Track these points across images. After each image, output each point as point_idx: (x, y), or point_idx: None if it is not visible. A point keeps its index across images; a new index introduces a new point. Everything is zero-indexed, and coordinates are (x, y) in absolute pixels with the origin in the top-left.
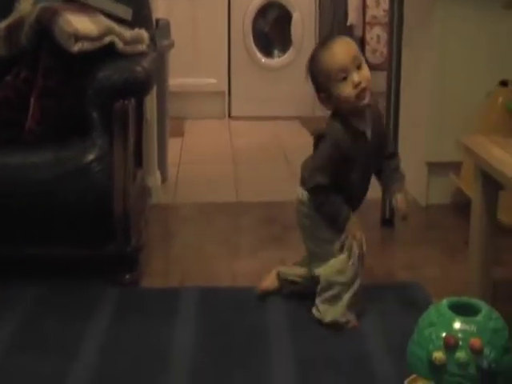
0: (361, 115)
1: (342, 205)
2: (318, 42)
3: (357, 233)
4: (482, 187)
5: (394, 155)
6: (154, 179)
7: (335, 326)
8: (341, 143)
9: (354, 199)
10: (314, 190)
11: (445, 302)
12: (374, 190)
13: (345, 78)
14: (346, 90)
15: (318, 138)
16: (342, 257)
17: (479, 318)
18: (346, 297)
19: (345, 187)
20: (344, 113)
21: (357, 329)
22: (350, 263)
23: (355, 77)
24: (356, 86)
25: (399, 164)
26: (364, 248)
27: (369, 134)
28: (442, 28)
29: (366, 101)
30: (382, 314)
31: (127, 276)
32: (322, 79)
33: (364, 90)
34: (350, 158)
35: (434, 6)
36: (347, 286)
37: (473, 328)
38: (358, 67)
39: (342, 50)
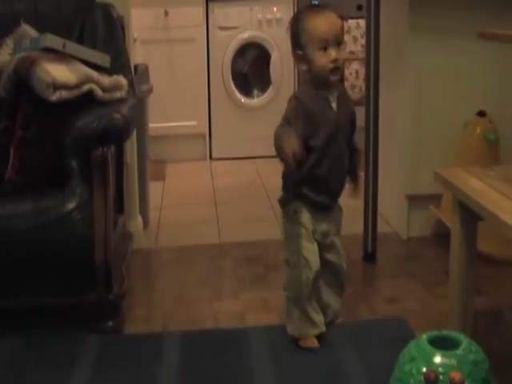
0: (329, 87)
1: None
2: (310, 5)
3: (288, 150)
4: (460, 219)
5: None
6: (136, 224)
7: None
8: (307, 103)
9: (330, 183)
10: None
11: (424, 336)
12: (355, 225)
13: (324, 49)
14: (322, 60)
15: (289, 100)
16: (288, 271)
17: (459, 351)
18: (295, 314)
19: (318, 168)
20: (314, 79)
21: (313, 348)
22: (302, 277)
23: (333, 53)
24: (332, 61)
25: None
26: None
27: (334, 105)
28: (417, 61)
29: (337, 77)
30: (366, 351)
31: (109, 323)
32: (303, 39)
33: (338, 67)
34: (316, 119)
35: (408, 40)
36: (292, 301)
37: (453, 361)
38: (338, 44)
39: (329, 22)
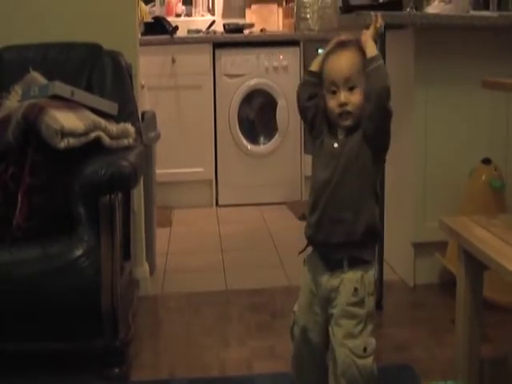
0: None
1: None
2: (337, 41)
3: None
4: (465, 267)
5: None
6: (142, 271)
7: None
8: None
9: (321, 220)
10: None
11: None
12: None
13: (334, 92)
14: (331, 104)
15: None
16: None
17: None
18: None
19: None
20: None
21: None
22: (293, 334)
23: (342, 97)
24: (340, 105)
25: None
26: None
27: (340, 136)
28: (422, 109)
29: (347, 123)
30: None
31: (116, 370)
32: (322, 78)
33: (348, 113)
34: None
35: (413, 88)
36: None
37: None
38: (351, 89)
39: (341, 63)
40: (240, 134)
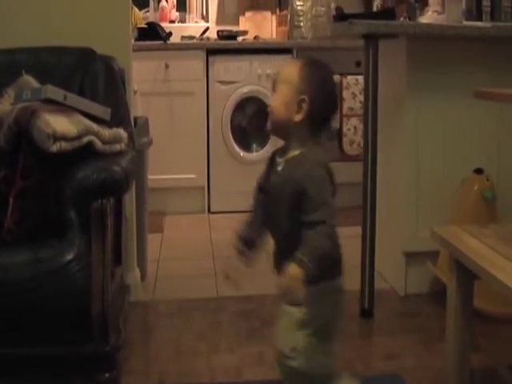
0: (284, 150)
1: None
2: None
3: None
4: (456, 277)
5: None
6: (133, 276)
7: None
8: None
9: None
10: None
11: None
12: (352, 281)
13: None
14: None
15: None
16: None
17: None
18: None
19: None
20: None
21: None
22: None
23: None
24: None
25: (314, 237)
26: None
27: (280, 168)
28: (414, 118)
29: (267, 127)
30: None
31: (106, 375)
32: None
33: (267, 113)
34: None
35: (406, 97)
36: None
37: None
38: (273, 94)
39: (281, 69)
40: (233, 141)
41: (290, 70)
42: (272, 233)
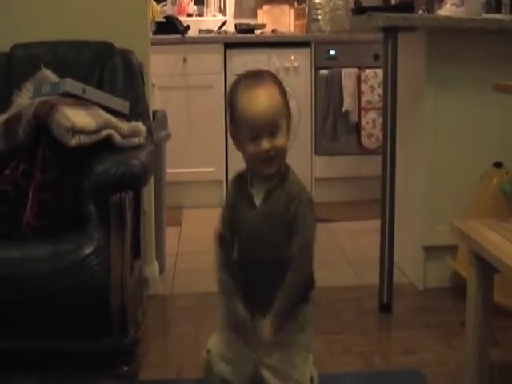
0: (261, 177)
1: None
2: (246, 72)
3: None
4: (476, 271)
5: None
6: (152, 270)
7: None
8: (232, 193)
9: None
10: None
11: None
12: (370, 276)
13: (256, 137)
14: (253, 150)
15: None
16: None
17: None
18: None
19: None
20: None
21: None
22: None
23: (265, 144)
24: (264, 152)
25: (293, 280)
26: None
27: (258, 201)
28: (433, 112)
29: (272, 171)
30: None
31: (125, 368)
32: (235, 117)
33: (272, 158)
34: (236, 218)
35: (424, 90)
36: None
37: None
38: (273, 134)
39: (262, 106)
40: None
41: (272, 102)
42: (248, 277)
